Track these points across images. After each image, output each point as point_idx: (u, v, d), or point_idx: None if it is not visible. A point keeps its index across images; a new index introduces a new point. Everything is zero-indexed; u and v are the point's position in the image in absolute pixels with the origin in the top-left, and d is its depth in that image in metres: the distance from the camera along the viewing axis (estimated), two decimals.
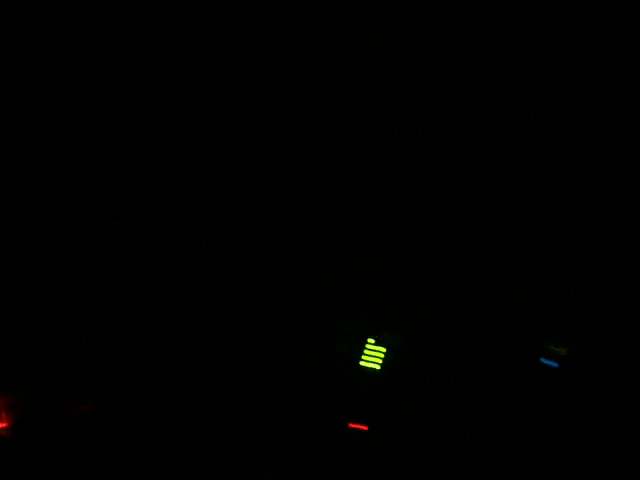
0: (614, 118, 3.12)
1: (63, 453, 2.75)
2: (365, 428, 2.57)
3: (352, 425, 2.57)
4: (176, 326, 2.96)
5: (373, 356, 2.70)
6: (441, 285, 2.81)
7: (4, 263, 2.99)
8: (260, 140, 3.18)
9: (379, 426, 2.56)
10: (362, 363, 2.69)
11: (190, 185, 3.12)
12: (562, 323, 2.79)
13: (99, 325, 2.97)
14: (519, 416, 2.66)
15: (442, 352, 2.72)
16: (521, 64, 3.05)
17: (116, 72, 3.10)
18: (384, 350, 2.69)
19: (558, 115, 3.11)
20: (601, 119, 3.12)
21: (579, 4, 3.01)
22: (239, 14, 3.10)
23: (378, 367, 2.70)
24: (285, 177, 3.15)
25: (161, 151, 3.15)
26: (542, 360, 2.69)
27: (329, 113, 3.19)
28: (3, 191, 3.07)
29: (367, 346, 2.72)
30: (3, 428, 2.75)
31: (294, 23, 3.11)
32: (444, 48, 3.14)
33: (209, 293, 3.00)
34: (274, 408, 2.70)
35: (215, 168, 3.14)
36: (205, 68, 3.13)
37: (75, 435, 2.79)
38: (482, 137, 3.16)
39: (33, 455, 2.77)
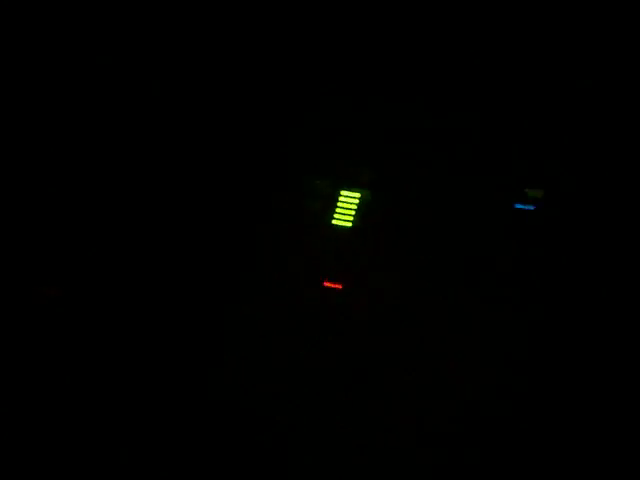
0: None
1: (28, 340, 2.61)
2: (339, 286, 2.55)
3: (327, 284, 2.54)
4: None
5: (344, 214, 2.60)
6: (412, 140, 2.72)
7: None
8: None
9: (352, 284, 2.53)
10: (334, 221, 2.64)
11: None
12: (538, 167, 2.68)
13: None
14: (493, 269, 2.57)
15: (414, 207, 2.65)
16: None
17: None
18: (355, 208, 2.63)
19: None
20: None
21: None
22: None
23: (350, 225, 2.64)
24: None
25: None
26: (517, 206, 2.62)
27: None
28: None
29: (338, 204, 2.62)
30: None
31: None
32: None
33: None
34: (248, 271, 2.63)
35: None
36: None
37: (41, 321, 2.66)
38: None
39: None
